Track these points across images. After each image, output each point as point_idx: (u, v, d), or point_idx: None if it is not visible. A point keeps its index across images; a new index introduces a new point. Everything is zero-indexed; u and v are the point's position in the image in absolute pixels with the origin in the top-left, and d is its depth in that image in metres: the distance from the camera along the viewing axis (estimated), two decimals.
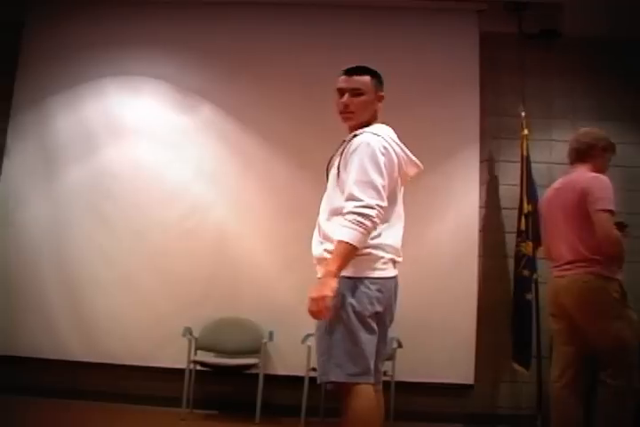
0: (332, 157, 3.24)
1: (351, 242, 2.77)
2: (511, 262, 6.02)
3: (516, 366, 5.74)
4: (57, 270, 6.27)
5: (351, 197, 2.86)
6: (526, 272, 5.77)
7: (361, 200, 2.82)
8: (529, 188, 5.92)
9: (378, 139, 2.99)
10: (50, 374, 6.09)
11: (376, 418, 2.94)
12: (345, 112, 3.18)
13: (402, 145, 3.12)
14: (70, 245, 6.31)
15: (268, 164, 6.36)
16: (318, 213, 3.15)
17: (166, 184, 6.37)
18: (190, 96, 6.53)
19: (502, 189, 6.32)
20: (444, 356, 5.88)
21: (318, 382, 3.00)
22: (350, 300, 2.85)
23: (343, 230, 2.80)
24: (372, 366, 2.92)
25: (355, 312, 2.86)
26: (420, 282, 5.80)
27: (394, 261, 3.04)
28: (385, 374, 5.38)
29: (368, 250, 2.89)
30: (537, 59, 6.43)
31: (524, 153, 6.00)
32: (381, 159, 2.93)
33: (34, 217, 6.39)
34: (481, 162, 6.30)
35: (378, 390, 3.04)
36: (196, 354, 5.88)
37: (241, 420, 5.61)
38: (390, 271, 3.00)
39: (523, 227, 5.85)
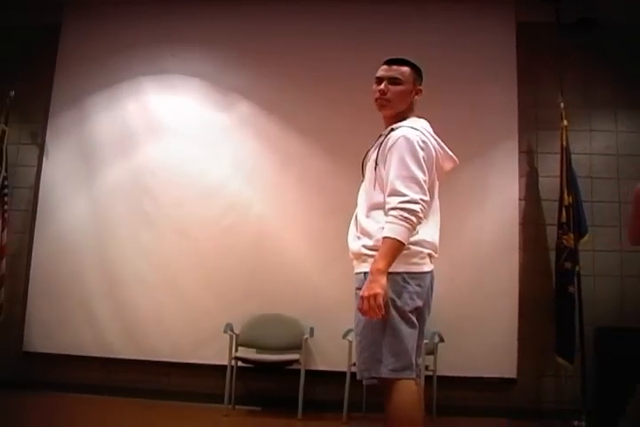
0: (368, 151, 3.22)
1: (398, 238, 2.75)
2: (552, 255, 5.95)
3: (560, 360, 5.68)
4: (99, 268, 6.34)
5: (395, 193, 2.82)
6: (568, 265, 5.70)
7: (405, 195, 2.79)
8: (569, 179, 5.84)
9: (416, 133, 2.95)
10: (93, 372, 6.17)
11: (421, 415, 2.91)
12: (380, 98, 3.15)
13: (438, 139, 3.09)
14: (111, 243, 6.37)
15: (306, 160, 6.36)
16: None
17: (205, 181, 6.40)
18: (228, 94, 6.55)
19: (542, 181, 6.24)
20: (486, 350, 5.83)
21: (359, 377, 2.95)
22: (391, 295, 2.83)
23: (389, 227, 2.77)
24: (414, 361, 2.89)
25: (395, 307, 2.84)
26: (460, 276, 5.77)
27: (430, 256, 3.01)
28: (427, 368, 5.42)
29: (407, 245, 2.86)
30: (575, 48, 6.34)
31: (564, 144, 5.92)
32: (421, 153, 2.90)
33: (74, 216, 6.46)
34: (520, 154, 6.23)
35: (418, 384, 3.02)
36: (237, 350, 5.90)
37: (283, 416, 5.62)
38: (428, 266, 2.97)
39: (564, 219, 5.78)
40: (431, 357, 5.55)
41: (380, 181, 2.98)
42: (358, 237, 2.99)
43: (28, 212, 6.60)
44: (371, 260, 2.84)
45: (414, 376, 2.90)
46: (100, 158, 6.55)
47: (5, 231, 6.30)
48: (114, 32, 6.73)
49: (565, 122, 5.94)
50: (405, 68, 3.17)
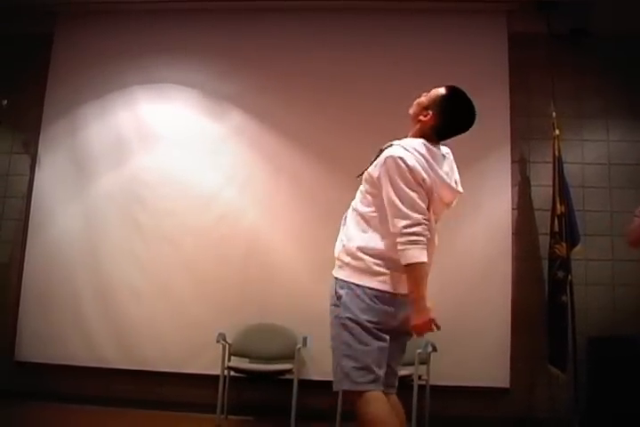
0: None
1: (417, 261, 2.82)
2: (545, 264, 5.97)
3: (553, 369, 5.68)
4: (91, 278, 6.32)
5: (396, 215, 2.88)
6: (561, 274, 5.71)
7: (406, 218, 2.85)
8: (562, 188, 5.85)
9: (405, 153, 2.96)
10: (85, 382, 6.15)
11: (390, 422, 2.93)
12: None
13: (437, 166, 3.04)
14: (104, 253, 6.36)
15: (299, 169, 6.36)
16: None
17: (198, 191, 6.40)
18: (220, 103, 6.56)
19: (534, 191, 6.26)
20: (479, 359, 5.83)
21: (334, 389, 3.06)
22: (354, 310, 2.91)
23: (405, 254, 2.84)
24: (381, 374, 2.95)
25: (358, 322, 2.92)
26: (453, 285, 5.77)
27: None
28: (420, 378, 5.41)
29: (381, 267, 2.94)
30: (567, 58, 6.37)
31: (556, 153, 5.94)
32: (407, 173, 2.91)
33: (66, 226, 6.45)
34: (512, 163, 6.25)
35: (392, 394, 3.07)
36: (230, 360, 5.89)
37: (276, 426, 5.61)
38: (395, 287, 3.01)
39: (556, 228, 5.80)
40: (424, 366, 5.54)
41: (369, 194, 3.05)
42: (341, 240, 3.08)
43: (20, 221, 6.58)
44: (347, 267, 2.97)
45: (381, 388, 2.95)
46: (92, 168, 6.54)
47: None
48: (106, 42, 6.73)
49: (557, 131, 5.96)
50: (440, 90, 3.23)
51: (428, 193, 2.98)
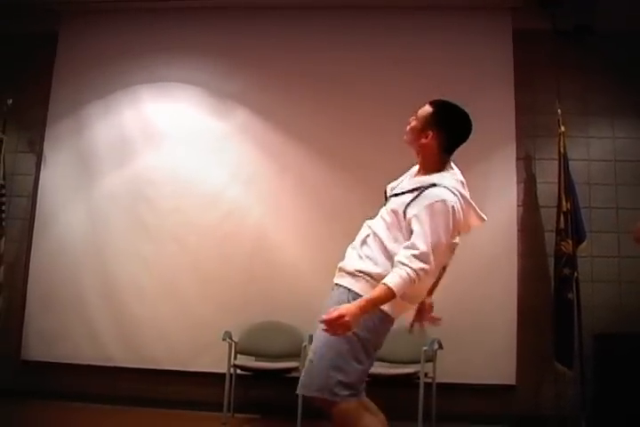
0: (394, 184, 3.20)
1: (395, 290, 2.72)
2: (551, 261, 5.95)
3: (559, 366, 5.67)
4: (97, 277, 6.33)
5: (415, 247, 2.79)
6: (567, 271, 5.70)
7: (425, 261, 2.77)
8: (567, 185, 5.84)
9: (453, 198, 2.91)
10: (92, 380, 6.15)
11: (376, 423, 2.97)
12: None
13: (467, 196, 3.04)
14: (110, 252, 6.37)
15: (304, 167, 6.36)
16: (356, 221, 3.15)
17: (203, 189, 6.41)
18: (225, 101, 6.57)
19: (540, 188, 6.24)
20: (485, 356, 5.82)
21: (299, 393, 3.05)
22: (362, 328, 2.85)
23: (395, 276, 2.75)
24: (361, 389, 2.96)
25: (362, 339, 2.88)
26: (459, 283, 5.73)
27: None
28: (426, 375, 5.41)
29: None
30: (572, 55, 6.35)
31: (562, 150, 5.93)
32: (451, 221, 2.87)
33: (72, 224, 6.46)
34: (518, 160, 6.24)
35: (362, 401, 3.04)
36: (236, 358, 5.89)
37: (282, 423, 5.61)
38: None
39: (562, 225, 5.79)
40: (430, 364, 5.54)
41: (398, 229, 2.94)
42: (360, 258, 2.97)
43: (25, 220, 6.60)
44: (365, 283, 2.88)
45: (355, 400, 2.94)
46: (97, 166, 6.55)
47: (3, 240, 6.29)
48: (111, 40, 6.74)
49: (563, 128, 5.94)
50: (427, 108, 3.12)
51: (462, 226, 3.02)
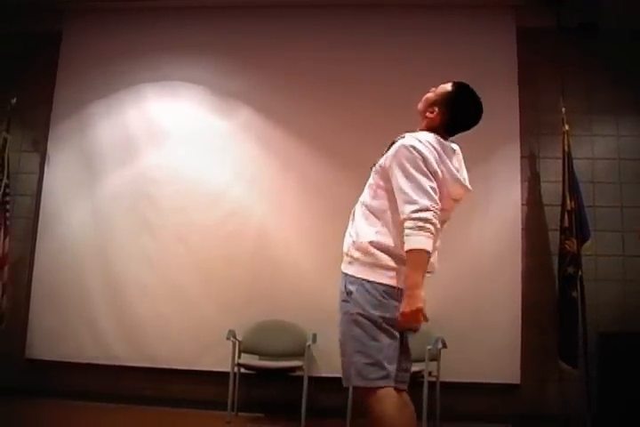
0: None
1: (421, 248, 2.75)
2: (555, 260, 5.94)
3: (563, 365, 5.66)
4: (101, 276, 6.34)
5: (405, 201, 2.81)
6: (571, 270, 5.69)
7: (415, 203, 2.78)
8: (571, 184, 5.83)
9: (418, 144, 2.92)
10: (96, 379, 6.16)
11: (404, 419, 2.93)
12: None
13: (450, 162, 3.02)
14: (113, 251, 6.38)
15: (307, 166, 6.36)
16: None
17: (207, 188, 6.41)
18: (229, 100, 6.56)
19: (544, 186, 6.23)
20: (489, 355, 5.81)
21: (344, 385, 3.02)
22: (366, 305, 2.87)
23: (410, 240, 2.76)
24: (393, 370, 2.91)
25: (370, 318, 2.87)
26: (463, 282, 5.76)
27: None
28: (430, 374, 5.41)
29: (395, 264, 2.89)
30: (576, 53, 6.34)
31: (566, 149, 5.92)
32: (421, 162, 2.87)
33: (76, 223, 6.47)
34: (522, 159, 6.23)
35: (403, 390, 3.03)
36: (240, 357, 5.89)
37: (286, 422, 5.61)
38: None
39: (566, 224, 5.78)
40: (434, 363, 5.53)
41: (379, 187, 2.99)
42: (350, 236, 3.03)
43: (29, 219, 6.61)
44: (356, 263, 2.92)
45: (392, 384, 2.91)
46: (101, 165, 6.56)
47: (7, 239, 6.29)
48: (114, 39, 6.75)
49: (567, 127, 5.93)
50: (447, 86, 3.24)
51: (439, 187, 2.92)
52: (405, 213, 2.79)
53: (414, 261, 2.77)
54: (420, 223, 2.75)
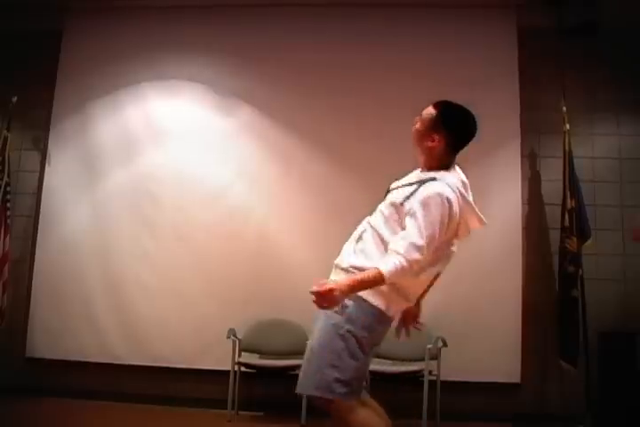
0: (397, 184, 3.14)
1: (387, 277, 2.71)
2: (556, 259, 5.95)
3: (564, 364, 5.66)
4: (101, 274, 6.34)
5: (412, 241, 2.76)
6: (571, 268, 5.70)
7: (419, 251, 2.75)
8: (572, 183, 5.83)
9: (450, 192, 2.88)
10: (96, 378, 6.16)
11: (377, 423, 2.96)
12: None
13: (468, 197, 3.01)
14: (114, 250, 6.38)
15: (308, 165, 6.36)
16: (360, 219, 3.11)
17: (207, 187, 6.42)
18: (230, 99, 6.56)
19: (545, 185, 6.24)
20: (490, 354, 5.81)
21: (298, 391, 3.03)
22: (358, 326, 2.87)
23: (389, 264, 2.73)
24: (360, 388, 2.96)
25: (356, 337, 2.87)
26: (463, 280, 5.75)
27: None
28: (430, 373, 5.41)
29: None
30: (577, 52, 6.34)
31: (567, 148, 5.92)
32: (446, 215, 2.85)
33: (77, 222, 6.47)
34: (522, 158, 6.24)
35: (366, 396, 3.07)
36: (240, 356, 5.89)
37: (286, 421, 5.60)
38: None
39: (567, 223, 5.79)
40: (434, 362, 5.54)
41: (394, 220, 2.92)
42: (354, 252, 2.97)
43: (30, 218, 6.61)
44: (352, 276, 2.84)
45: (355, 399, 2.94)
46: (102, 164, 6.56)
47: (8, 237, 6.29)
48: (115, 38, 6.74)
49: (568, 126, 5.94)
50: (430, 110, 3.10)
51: (459, 224, 2.96)
52: (403, 251, 2.75)
53: (370, 279, 2.74)
54: (408, 264, 2.72)
